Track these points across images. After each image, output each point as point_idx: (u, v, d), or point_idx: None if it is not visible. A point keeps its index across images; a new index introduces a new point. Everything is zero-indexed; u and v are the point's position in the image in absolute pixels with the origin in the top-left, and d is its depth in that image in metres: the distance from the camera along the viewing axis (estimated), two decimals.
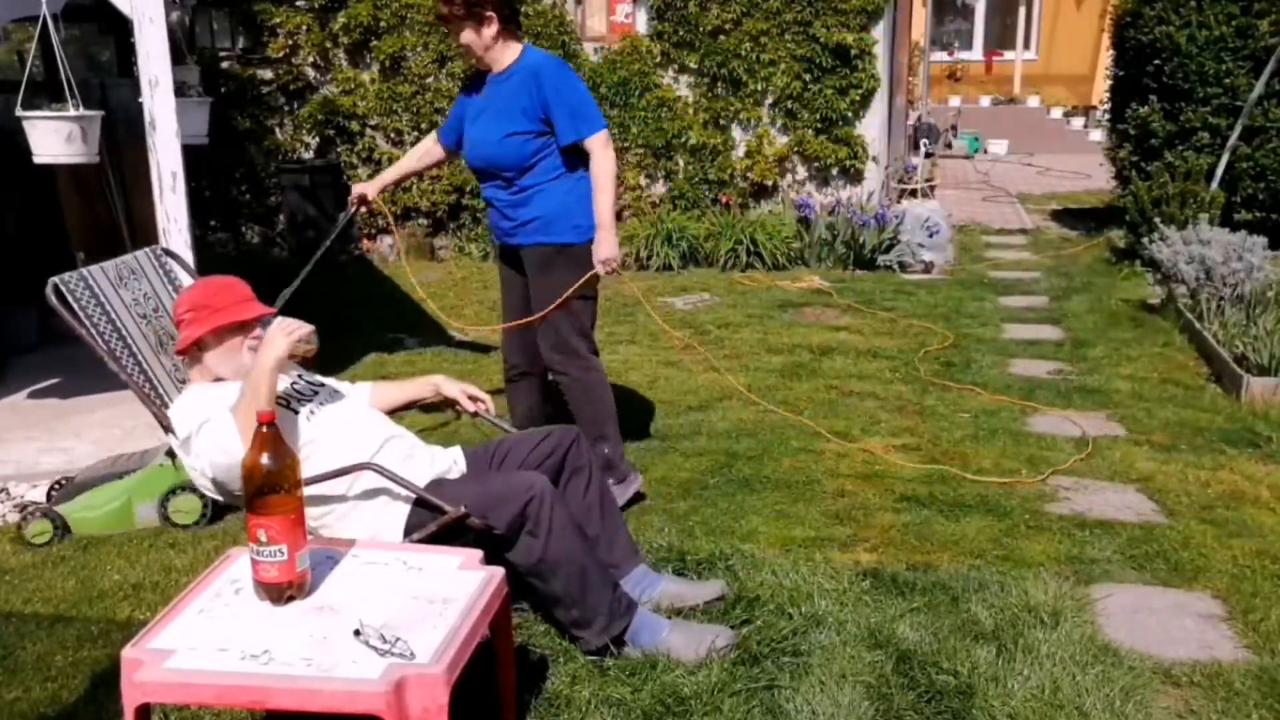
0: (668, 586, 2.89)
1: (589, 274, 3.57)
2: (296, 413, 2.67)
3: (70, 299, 2.76)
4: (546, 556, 2.55)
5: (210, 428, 2.45)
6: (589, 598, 2.59)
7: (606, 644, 2.62)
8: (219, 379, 2.69)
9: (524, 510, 2.54)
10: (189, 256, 4.01)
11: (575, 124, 3.45)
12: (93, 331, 2.75)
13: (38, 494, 3.94)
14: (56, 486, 3.79)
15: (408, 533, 2.58)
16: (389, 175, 3.95)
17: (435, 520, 2.54)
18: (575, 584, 2.58)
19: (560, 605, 2.62)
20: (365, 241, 8.99)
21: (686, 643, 2.64)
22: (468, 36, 3.42)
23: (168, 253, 3.29)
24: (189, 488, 3.47)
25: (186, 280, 3.21)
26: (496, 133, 3.47)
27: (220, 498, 2.65)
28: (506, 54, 3.49)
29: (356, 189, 3.83)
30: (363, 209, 3.87)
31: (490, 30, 3.41)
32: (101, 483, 3.59)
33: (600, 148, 3.48)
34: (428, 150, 3.88)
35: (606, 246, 3.53)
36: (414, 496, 2.59)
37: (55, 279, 2.76)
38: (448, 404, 3.08)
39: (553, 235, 3.55)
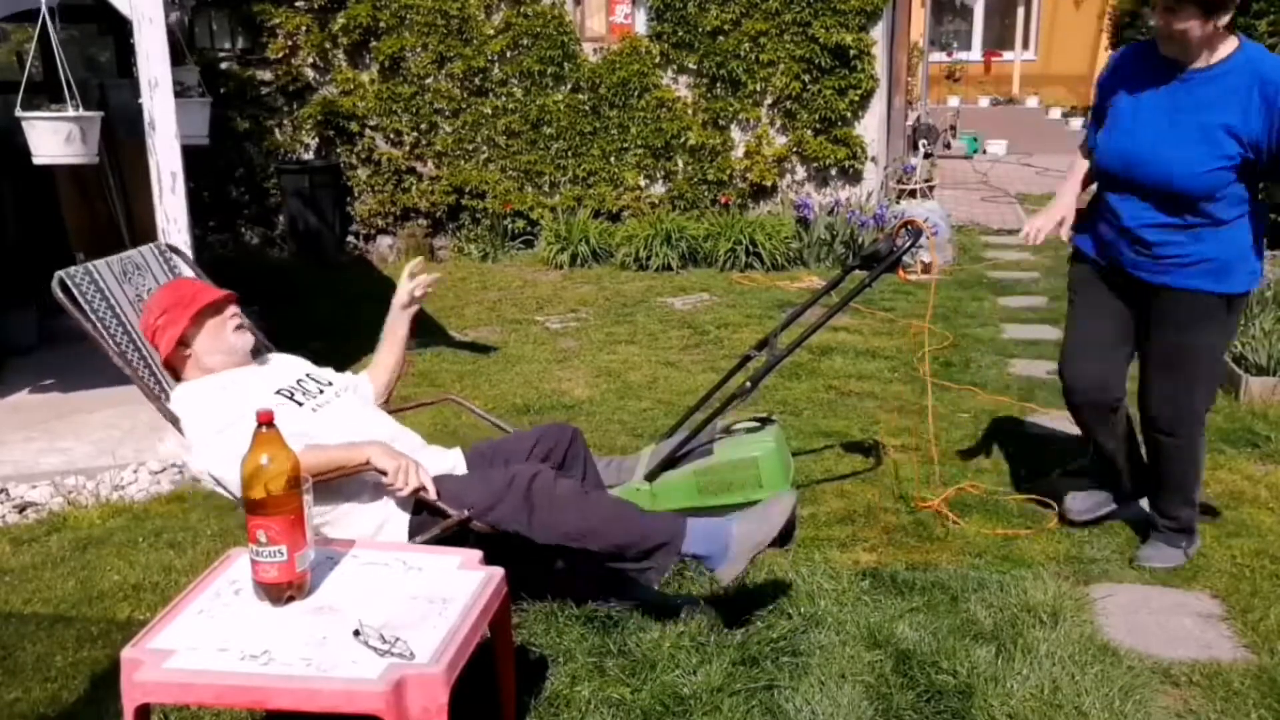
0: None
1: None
2: (300, 405, 2.68)
3: (76, 294, 2.76)
4: (574, 524, 2.57)
5: (227, 440, 2.44)
6: (636, 531, 2.62)
7: (679, 559, 2.66)
8: (211, 370, 2.70)
9: (528, 495, 2.55)
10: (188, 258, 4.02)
11: None
12: (98, 326, 2.76)
13: (38, 494, 3.94)
14: None
15: (412, 535, 2.59)
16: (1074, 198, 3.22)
17: (438, 524, 2.55)
18: (616, 529, 2.60)
19: (618, 558, 2.64)
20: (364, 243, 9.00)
21: (752, 528, 2.64)
22: (1186, 24, 2.72)
23: (172, 248, 3.29)
24: None
25: (190, 275, 3.21)
26: (1188, 150, 2.79)
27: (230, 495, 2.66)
28: (1222, 46, 2.79)
29: (1047, 217, 3.12)
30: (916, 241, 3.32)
31: (1224, 20, 2.72)
32: None
33: None
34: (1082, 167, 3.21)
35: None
36: (415, 499, 2.59)
37: (61, 273, 2.76)
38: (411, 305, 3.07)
39: (1224, 284, 2.89)
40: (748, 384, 3.32)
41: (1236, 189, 2.84)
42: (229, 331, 2.73)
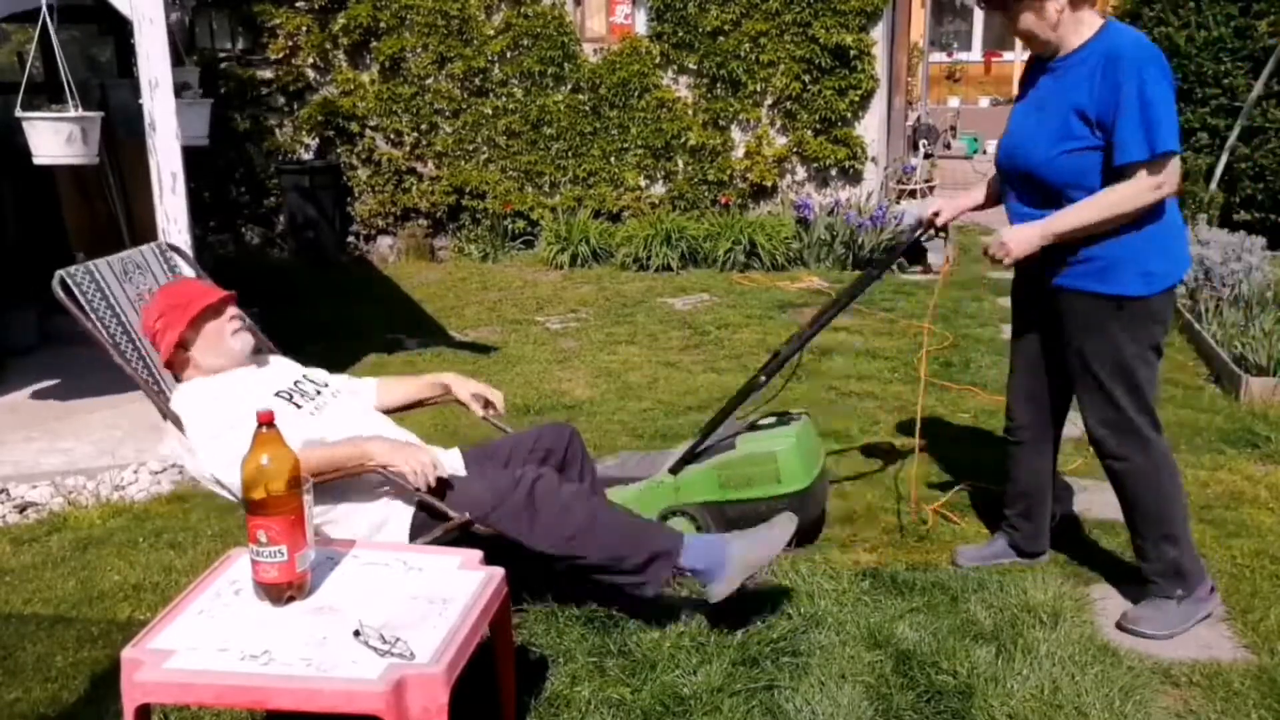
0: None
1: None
2: (300, 408, 2.68)
3: (76, 293, 2.76)
4: (576, 527, 2.57)
5: (229, 442, 2.44)
6: (636, 539, 2.62)
7: (674, 574, 2.65)
8: (210, 372, 2.70)
9: (530, 497, 2.55)
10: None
11: (1144, 136, 2.58)
12: (98, 325, 2.76)
13: (38, 494, 3.94)
14: None
15: (413, 535, 2.59)
16: (972, 199, 3.23)
17: (440, 526, 2.55)
18: (616, 535, 2.60)
19: (611, 571, 2.63)
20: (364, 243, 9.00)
21: (748, 548, 2.64)
22: (1028, 21, 2.72)
23: (172, 248, 3.29)
24: (683, 511, 3.23)
25: (190, 274, 3.21)
26: (1044, 135, 2.73)
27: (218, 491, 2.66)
28: (1084, 29, 2.72)
29: (932, 205, 3.22)
30: (931, 231, 3.25)
31: (1059, 4, 2.67)
32: (613, 484, 3.31)
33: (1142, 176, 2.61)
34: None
35: (1014, 236, 2.78)
36: (417, 499, 2.59)
37: (61, 272, 2.76)
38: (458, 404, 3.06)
39: (1109, 284, 2.72)
40: (761, 376, 3.33)
41: (1111, 178, 2.65)
42: (228, 335, 2.73)
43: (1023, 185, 2.83)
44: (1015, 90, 3.13)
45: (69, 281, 2.76)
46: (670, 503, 3.24)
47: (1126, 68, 2.58)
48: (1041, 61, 2.83)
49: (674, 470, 3.27)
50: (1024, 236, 2.76)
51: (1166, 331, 2.79)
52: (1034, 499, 3.16)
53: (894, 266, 7.70)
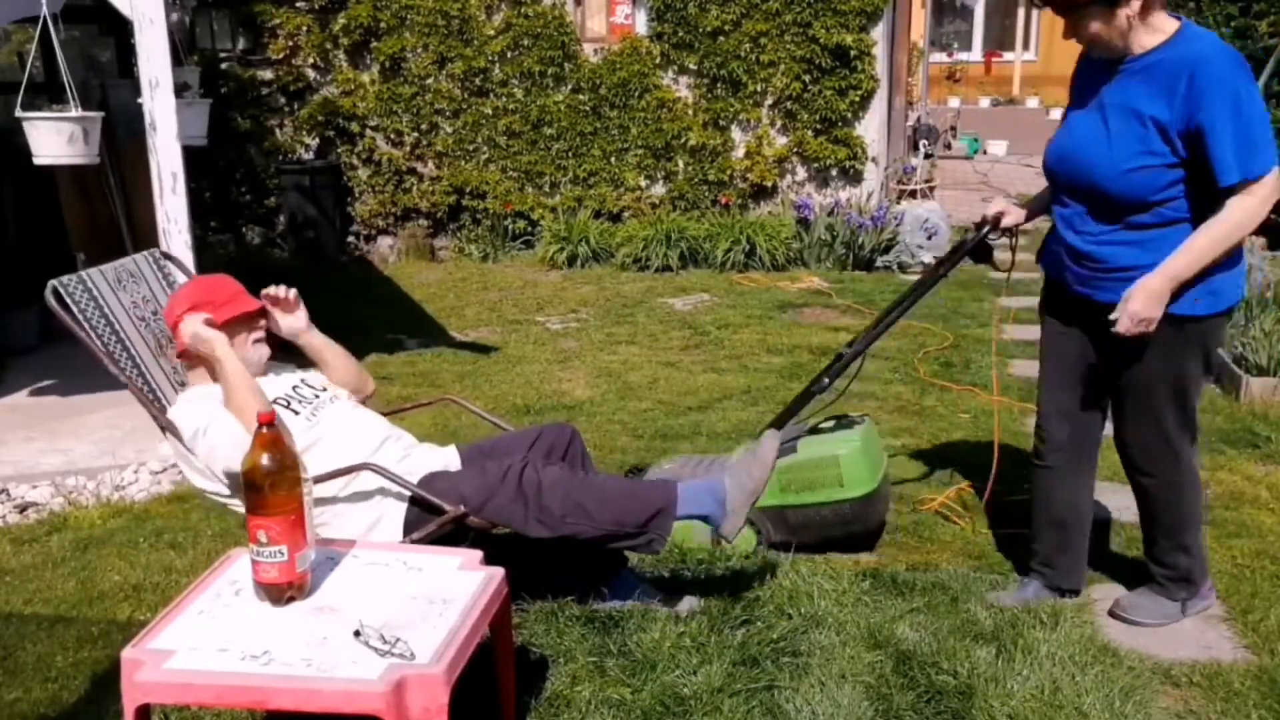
0: (640, 599, 2.88)
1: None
2: (297, 414, 2.68)
3: (69, 302, 2.76)
4: (566, 504, 2.57)
5: (219, 423, 2.49)
6: (630, 500, 2.62)
7: (672, 524, 2.63)
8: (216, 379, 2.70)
9: (520, 487, 2.55)
10: (189, 258, 4.02)
11: (1249, 154, 2.42)
12: (91, 334, 2.75)
13: (38, 494, 3.94)
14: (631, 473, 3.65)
15: (406, 531, 2.59)
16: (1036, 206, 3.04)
17: (435, 520, 2.55)
18: (609, 503, 2.60)
19: (612, 538, 2.63)
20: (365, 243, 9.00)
21: (743, 478, 2.64)
22: (1095, 28, 2.54)
23: (167, 256, 3.29)
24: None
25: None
26: (1115, 149, 2.55)
27: (220, 499, 2.66)
28: (1155, 32, 2.53)
29: (996, 205, 3.07)
30: (997, 234, 3.11)
31: (1133, 6, 2.48)
32: None
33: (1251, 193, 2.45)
34: None
35: (1142, 301, 2.53)
36: (410, 495, 2.59)
37: (54, 282, 2.75)
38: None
39: (1180, 304, 2.56)
40: (825, 380, 3.30)
41: (1183, 193, 2.52)
42: (249, 344, 2.72)
43: (1078, 195, 2.66)
44: (1068, 94, 2.78)
45: (62, 291, 2.75)
46: None
47: (1217, 81, 2.40)
48: (1100, 60, 2.62)
49: None
50: (1153, 296, 2.51)
51: (1221, 346, 2.69)
52: (1071, 530, 2.93)
53: (893, 267, 7.72)
